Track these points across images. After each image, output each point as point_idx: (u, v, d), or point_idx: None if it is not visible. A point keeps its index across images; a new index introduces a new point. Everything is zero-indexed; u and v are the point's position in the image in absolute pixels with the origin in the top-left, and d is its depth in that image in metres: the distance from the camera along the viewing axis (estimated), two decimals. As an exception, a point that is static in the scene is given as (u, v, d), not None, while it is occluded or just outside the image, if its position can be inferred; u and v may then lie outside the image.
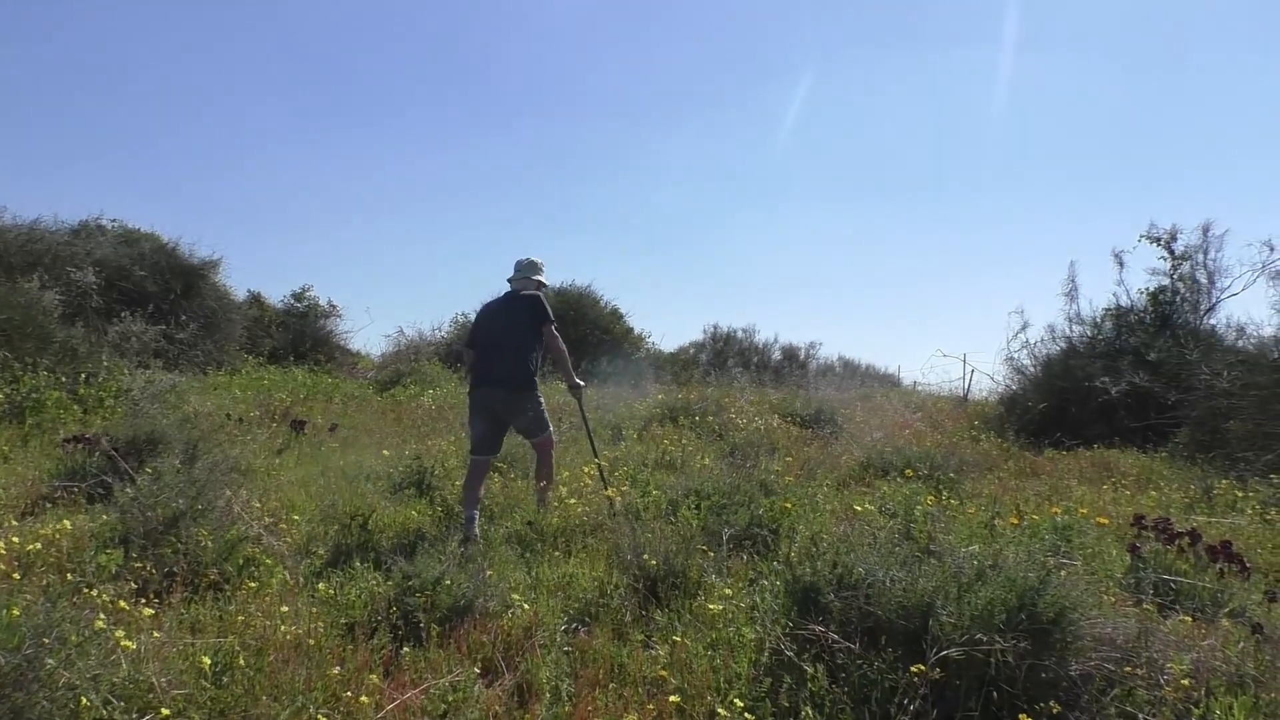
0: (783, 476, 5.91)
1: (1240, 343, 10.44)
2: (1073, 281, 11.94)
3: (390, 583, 3.52)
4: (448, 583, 3.38)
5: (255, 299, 18.37)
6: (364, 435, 8.67)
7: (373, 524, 4.64)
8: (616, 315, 18.98)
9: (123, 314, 12.69)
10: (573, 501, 5.04)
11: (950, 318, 36.70)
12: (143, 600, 3.15)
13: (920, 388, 17.25)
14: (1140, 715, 2.45)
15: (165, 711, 2.29)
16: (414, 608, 3.28)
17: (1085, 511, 4.68)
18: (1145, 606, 3.10)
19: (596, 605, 3.53)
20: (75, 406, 8.17)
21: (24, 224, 13.49)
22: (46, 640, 2.25)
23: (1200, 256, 11.22)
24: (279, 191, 49.43)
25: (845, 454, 7.74)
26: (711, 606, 3.33)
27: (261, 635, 2.91)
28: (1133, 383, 9.81)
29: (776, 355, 21.15)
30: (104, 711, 2.23)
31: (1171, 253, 11.42)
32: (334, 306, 19.39)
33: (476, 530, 4.68)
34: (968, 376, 15.72)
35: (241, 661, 2.66)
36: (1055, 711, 2.40)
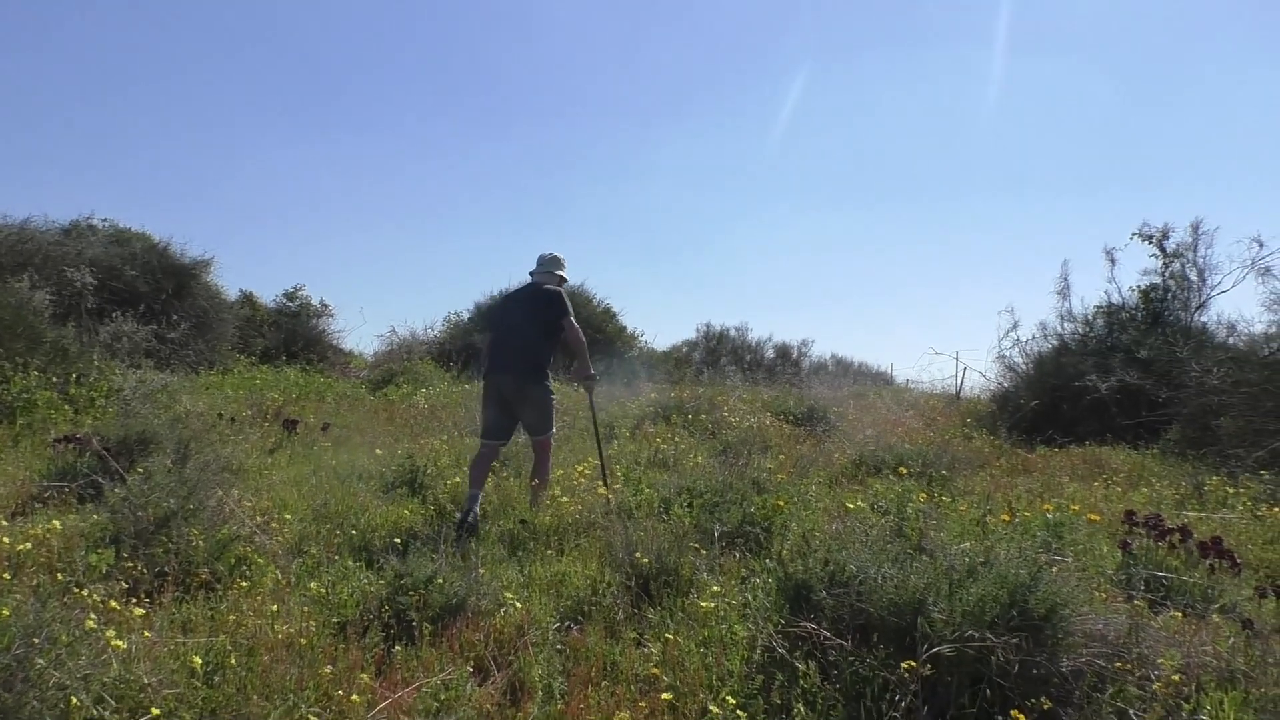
0: (775, 474, 5.92)
1: (1231, 339, 10.51)
2: (1065, 280, 12.02)
3: (382, 582, 3.51)
4: (440, 581, 3.37)
5: (247, 298, 18.29)
6: (356, 435, 8.64)
7: (365, 523, 4.63)
8: (609, 314, 19.01)
9: (114, 314, 12.62)
10: (565, 500, 5.04)
11: (943, 316, 36.82)
12: (134, 600, 3.13)
13: (913, 386, 17.36)
14: (1131, 711, 2.47)
15: (156, 711, 2.28)
16: (406, 606, 3.27)
17: (1077, 508, 4.71)
18: (1136, 603, 3.12)
19: (589, 603, 3.53)
20: (66, 406, 8.12)
21: (14, 223, 13.41)
22: (37, 640, 2.24)
23: (1191, 254, 11.30)
24: (271, 190, 49.29)
25: (838, 452, 7.76)
26: (704, 604, 3.33)
27: (253, 635, 2.90)
28: (1124, 380, 9.86)
29: (769, 354, 21.18)
30: (94, 711, 2.22)
31: (1163, 250, 11.49)
32: (326, 306, 19.37)
33: (477, 510, 4.79)
34: (960, 374, 15.78)
35: (233, 661, 2.65)
36: (1046, 707, 2.41)
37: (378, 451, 6.90)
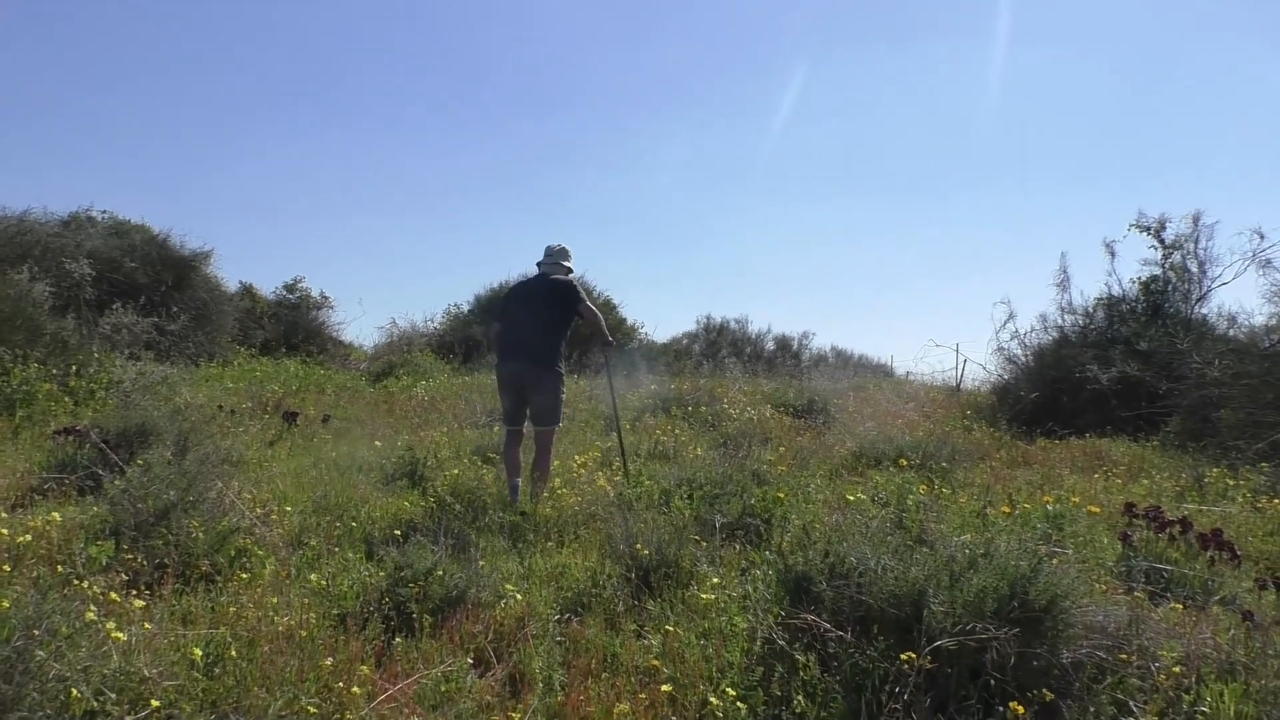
0: (775, 466, 5.92)
1: (1231, 332, 10.51)
2: (1065, 272, 11.99)
3: (382, 573, 3.51)
4: (440, 573, 3.37)
5: (247, 290, 18.25)
6: (356, 427, 8.64)
7: (365, 515, 4.63)
8: (609, 306, 18.97)
9: (114, 306, 12.59)
10: (564, 491, 5.04)
11: (943, 308, 36.73)
12: (134, 592, 3.13)
13: (913, 378, 17.31)
14: (1131, 702, 2.47)
15: (156, 703, 2.28)
16: (406, 598, 3.27)
17: (1077, 500, 4.71)
18: (1136, 594, 3.12)
19: (589, 595, 3.53)
20: (66, 399, 8.12)
21: (13, 215, 13.37)
22: (36, 632, 2.24)
23: (1191, 246, 11.28)
24: (271, 182, 49.11)
25: (838, 444, 7.76)
26: (704, 596, 3.33)
27: (253, 626, 2.90)
28: (1124, 372, 9.86)
29: (769, 346, 21.15)
30: (95, 703, 2.22)
31: (1161, 241, 11.47)
32: (326, 298, 19.32)
33: (519, 498, 4.95)
34: (960, 366, 15.77)
35: (233, 653, 2.65)
36: (1047, 699, 2.41)
37: (377, 443, 6.90)
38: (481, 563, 3.62)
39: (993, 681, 2.50)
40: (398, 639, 3.01)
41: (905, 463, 6.16)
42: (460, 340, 17.30)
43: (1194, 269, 11.27)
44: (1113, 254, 11.77)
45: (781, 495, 4.67)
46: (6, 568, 3.23)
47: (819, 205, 58.32)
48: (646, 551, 3.70)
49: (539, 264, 5.67)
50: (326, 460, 6.43)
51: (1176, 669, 2.54)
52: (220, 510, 4.05)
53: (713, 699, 2.54)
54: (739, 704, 2.52)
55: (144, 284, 13.81)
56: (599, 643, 3.02)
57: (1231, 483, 5.93)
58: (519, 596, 3.39)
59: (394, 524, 4.52)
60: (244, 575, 3.52)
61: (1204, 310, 11.19)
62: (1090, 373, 10.00)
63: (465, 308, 19.03)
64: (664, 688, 2.62)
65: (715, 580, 3.56)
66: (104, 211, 15.65)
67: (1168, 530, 3.93)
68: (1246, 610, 2.99)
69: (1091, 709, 2.45)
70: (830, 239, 52.60)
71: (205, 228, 41.35)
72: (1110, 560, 3.83)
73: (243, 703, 2.45)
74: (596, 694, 2.64)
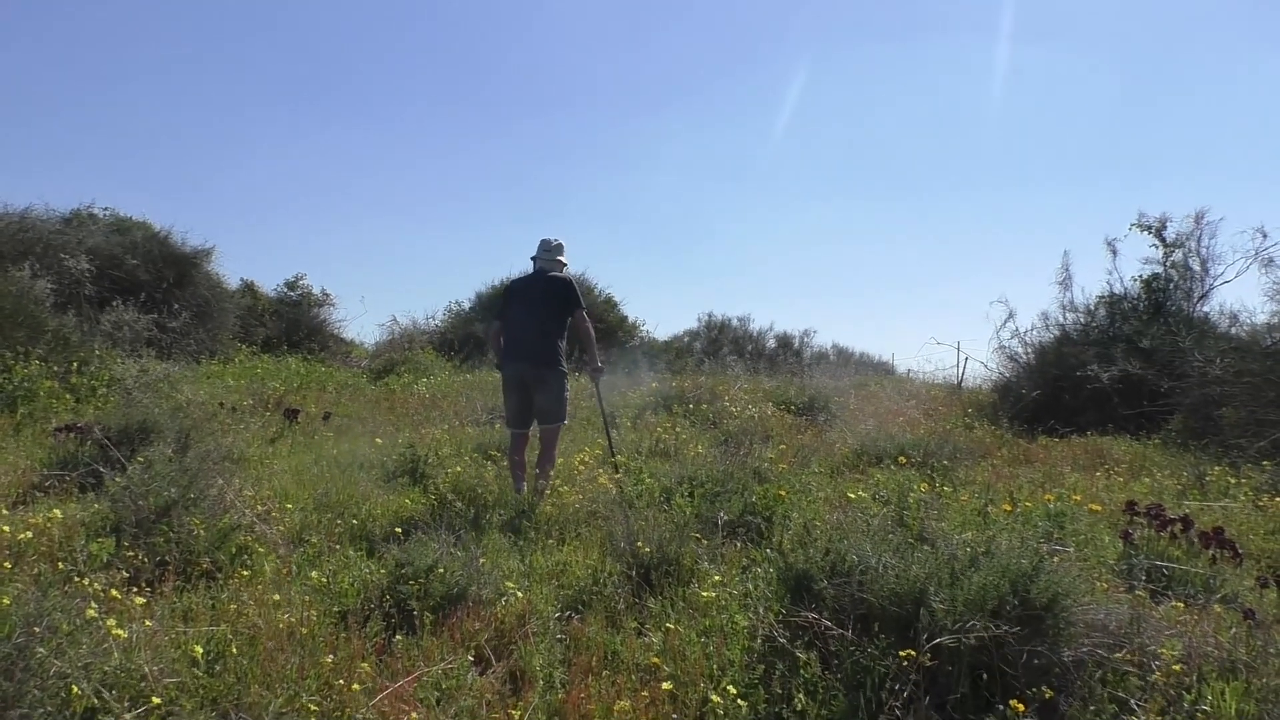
0: (776, 464, 5.91)
1: (1233, 330, 10.49)
2: (1067, 270, 11.97)
3: (383, 571, 3.51)
4: (441, 571, 3.37)
5: (248, 288, 18.25)
6: (357, 424, 8.64)
7: (366, 512, 4.63)
8: (611, 304, 18.98)
9: (115, 303, 12.59)
10: (565, 489, 5.04)
11: (945, 306, 36.74)
12: (134, 589, 3.13)
13: (914, 375, 17.30)
14: (1132, 700, 2.46)
15: (157, 700, 2.29)
16: (407, 596, 3.27)
17: (1078, 498, 4.70)
18: (1137, 592, 3.11)
19: (590, 593, 3.53)
20: (67, 395, 8.13)
21: (15, 212, 13.37)
22: (37, 629, 2.24)
23: (1193, 244, 11.26)
24: (272, 179, 49.17)
25: (839, 442, 7.76)
26: (705, 594, 3.33)
27: (254, 624, 2.90)
28: (1126, 370, 9.84)
29: (771, 343, 21.15)
30: (95, 700, 2.22)
31: (1163, 240, 11.45)
32: (327, 295, 19.35)
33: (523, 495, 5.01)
34: (961, 364, 15.73)
35: (234, 650, 2.66)
36: (1047, 697, 2.40)
37: (378, 441, 6.90)
38: (482, 560, 3.62)
39: (992, 679, 2.49)
40: (398, 636, 3.01)
41: (906, 461, 6.15)
42: (461, 338, 17.31)
43: (1196, 267, 11.27)
44: (1114, 252, 11.77)
45: (782, 493, 4.66)
46: (8, 565, 3.24)
47: (821, 203, 58.35)
48: (647, 549, 3.70)
49: (534, 258, 5.65)
50: (327, 458, 6.43)
51: (1177, 667, 2.53)
52: (221, 507, 4.05)
53: (713, 697, 2.54)
54: (740, 702, 2.52)
55: (145, 281, 13.81)
56: (600, 640, 3.02)
57: (1233, 481, 5.92)
58: (520, 594, 3.39)
59: (395, 521, 4.52)
60: (245, 573, 3.52)
61: (1206, 308, 11.19)
62: (1092, 371, 9.98)
63: (466, 305, 19.05)
64: (665, 685, 2.62)
65: (716, 578, 3.56)
66: (105, 209, 15.69)
67: (1169, 528, 3.92)
68: (1248, 608, 2.98)
69: (1092, 707, 2.45)
70: (832, 237, 52.63)
71: (207, 225, 41.50)
72: (1111, 558, 3.82)
73: (243, 700, 2.45)
74: (597, 691, 2.64)
